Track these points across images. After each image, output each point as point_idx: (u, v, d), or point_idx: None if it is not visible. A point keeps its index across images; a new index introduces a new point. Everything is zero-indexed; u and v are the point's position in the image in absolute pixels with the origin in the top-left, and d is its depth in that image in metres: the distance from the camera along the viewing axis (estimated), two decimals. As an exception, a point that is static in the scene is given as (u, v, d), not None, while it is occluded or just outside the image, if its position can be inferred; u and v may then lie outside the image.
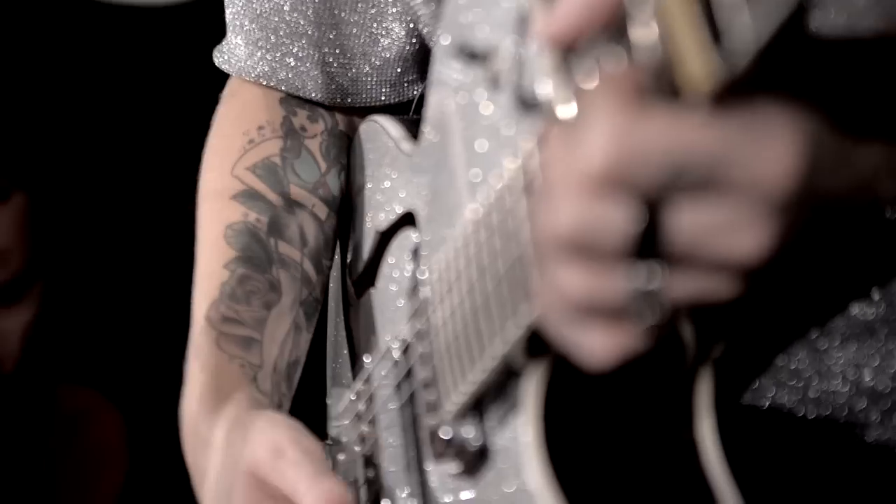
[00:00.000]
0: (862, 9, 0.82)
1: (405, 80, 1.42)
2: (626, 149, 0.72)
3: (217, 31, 1.49)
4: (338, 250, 1.46)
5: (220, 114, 1.47)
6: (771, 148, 0.73)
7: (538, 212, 0.79)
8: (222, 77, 1.49)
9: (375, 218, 1.34)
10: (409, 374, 1.17)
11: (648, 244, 0.75)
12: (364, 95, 1.43)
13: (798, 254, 1.00)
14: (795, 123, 0.74)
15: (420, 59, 1.41)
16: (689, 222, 0.74)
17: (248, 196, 1.38)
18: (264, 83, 1.42)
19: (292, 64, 1.41)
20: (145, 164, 3.12)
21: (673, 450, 1.00)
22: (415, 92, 1.44)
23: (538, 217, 0.79)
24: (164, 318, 3.15)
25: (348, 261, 1.43)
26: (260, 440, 1.19)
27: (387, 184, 1.32)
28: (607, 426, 0.99)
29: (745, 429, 1.07)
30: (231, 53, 1.45)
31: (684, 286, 0.76)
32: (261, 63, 1.42)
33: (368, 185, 1.38)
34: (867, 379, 1.08)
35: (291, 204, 1.38)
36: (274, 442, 1.18)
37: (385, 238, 1.31)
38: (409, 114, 1.42)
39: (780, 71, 0.73)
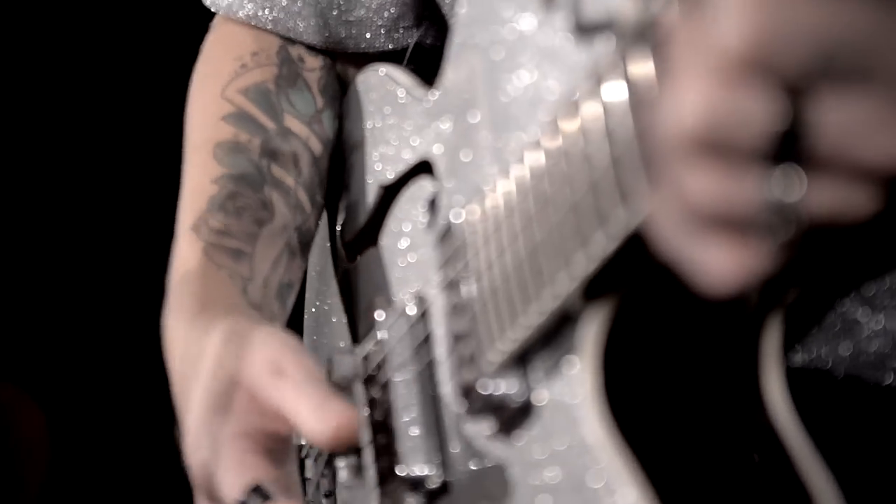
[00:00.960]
0: None
1: (401, 25, 1.34)
2: (772, 25, 0.63)
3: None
4: (323, 217, 1.37)
5: (209, 41, 1.38)
6: None
7: (659, 106, 0.70)
8: None
9: (378, 172, 1.25)
10: (429, 332, 1.08)
11: (790, 144, 0.66)
12: (359, 40, 1.34)
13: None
14: None
15: (416, 3, 1.33)
16: (836, 119, 0.65)
17: (240, 117, 1.28)
18: (253, 24, 1.33)
19: (284, 3, 1.32)
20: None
21: (739, 402, 0.92)
22: (409, 40, 1.35)
23: (659, 112, 0.69)
24: (87, 314, 3.06)
25: (340, 223, 1.34)
26: (258, 356, 1.10)
27: (393, 134, 1.22)
28: (670, 377, 0.91)
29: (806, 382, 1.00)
30: None
31: (825, 197, 0.67)
32: (249, 3, 1.33)
33: (369, 139, 1.28)
34: None
35: (286, 131, 1.29)
36: (273, 359, 1.09)
37: (391, 191, 1.21)
38: (403, 63, 1.33)
39: None
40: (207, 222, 1.21)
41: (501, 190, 0.94)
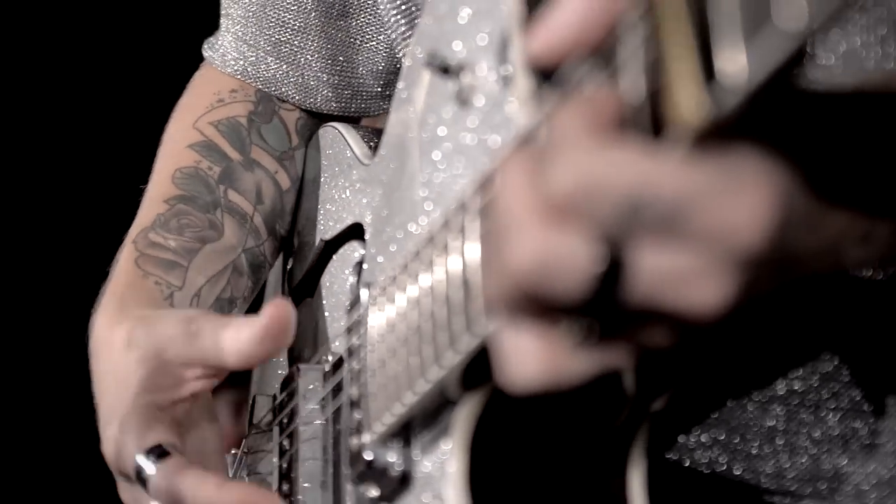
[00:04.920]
0: (871, 72, 0.80)
1: (386, 93, 1.40)
2: (586, 175, 0.68)
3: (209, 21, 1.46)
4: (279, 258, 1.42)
5: (195, 76, 1.44)
6: (744, 200, 0.70)
7: (494, 243, 0.75)
8: None
9: (323, 225, 1.30)
10: (337, 390, 1.13)
11: (607, 286, 0.71)
12: (339, 104, 1.40)
13: (751, 311, 0.98)
14: (772, 179, 0.70)
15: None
16: (651, 266, 0.70)
17: (205, 146, 1.34)
18: (241, 79, 1.40)
19: (273, 66, 1.38)
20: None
21: (600, 497, 0.96)
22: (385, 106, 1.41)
23: (494, 249, 0.74)
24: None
25: (289, 266, 1.40)
26: (171, 323, 1.13)
27: (338, 192, 1.28)
28: (536, 465, 0.96)
29: (672, 482, 1.05)
30: (217, 45, 1.42)
31: (630, 325, 0.73)
32: (240, 60, 1.39)
33: (320, 190, 1.34)
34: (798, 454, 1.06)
35: (251, 163, 1.34)
36: (186, 321, 1.13)
37: (330, 248, 1.27)
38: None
39: (764, 121, 0.70)
40: (147, 235, 1.26)
41: (396, 271, 0.99)
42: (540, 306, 0.72)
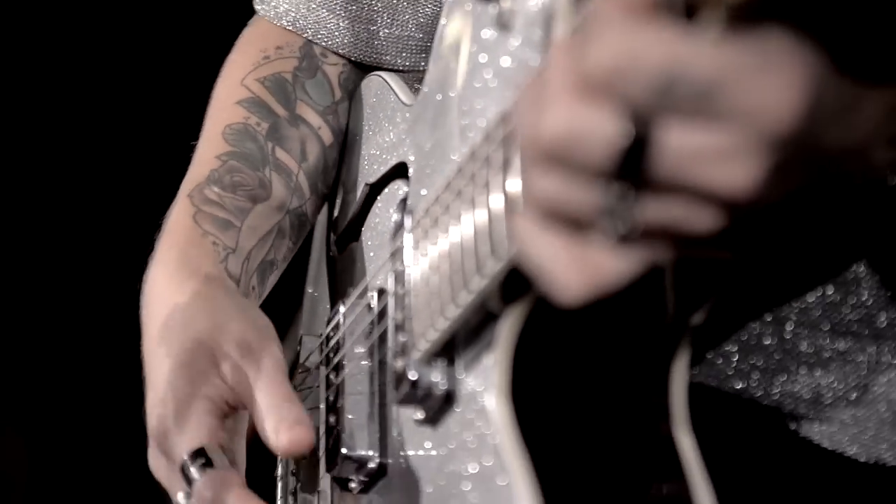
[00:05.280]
0: None
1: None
2: (621, 53, 0.71)
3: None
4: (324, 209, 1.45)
5: (243, 34, 1.47)
6: (774, 80, 0.71)
7: (528, 115, 0.77)
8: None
9: (367, 171, 1.32)
10: (381, 317, 1.15)
11: (633, 162, 0.73)
12: (393, 57, 1.42)
13: (784, 221, 1.00)
14: (803, 60, 0.72)
15: None
16: (677, 144, 0.72)
17: (253, 103, 1.37)
18: (290, 28, 1.42)
19: (324, 17, 1.40)
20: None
21: (645, 414, 0.98)
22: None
23: (527, 120, 0.77)
24: (61, 334, 3.15)
25: (335, 216, 1.42)
26: (232, 328, 1.17)
27: (382, 137, 1.30)
28: (578, 379, 0.97)
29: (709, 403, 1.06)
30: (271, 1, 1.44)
31: (662, 210, 0.74)
32: (291, 13, 1.42)
33: (363, 139, 1.36)
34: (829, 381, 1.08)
35: (296, 119, 1.37)
36: (245, 337, 1.17)
37: (374, 190, 1.29)
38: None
39: (797, 7, 0.72)
40: (203, 191, 1.29)
41: (435, 194, 1.01)
42: (565, 179, 0.74)
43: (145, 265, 1.28)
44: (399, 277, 1.10)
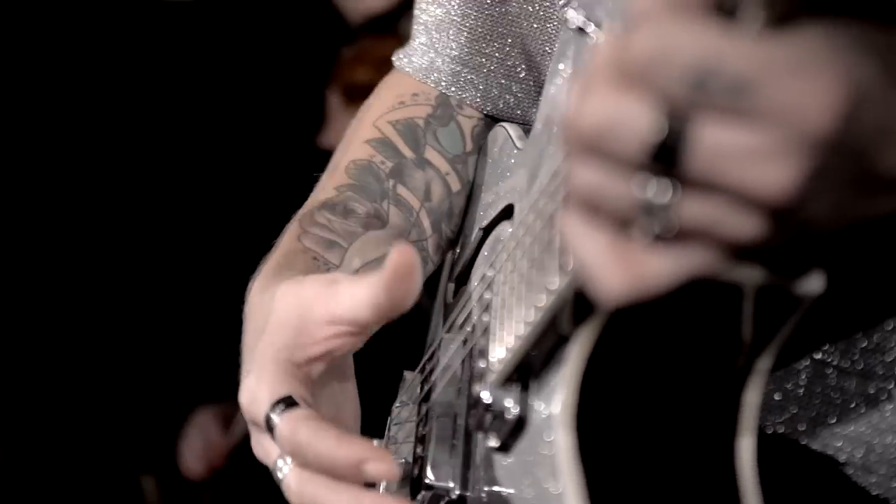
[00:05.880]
0: None
1: None
2: (658, 45, 0.71)
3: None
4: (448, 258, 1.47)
5: (382, 82, 1.51)
6: (814, 82, 0.71)
7: (571, 104, 0.78)
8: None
9: (482, 217, 1.34)
10: (472, 349, 1.16)
11: (667, 156, 0.73)
12: (520, 112, 1.44)
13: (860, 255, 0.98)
14: (845, 62, 0.72)
15: None
16: (712, 140, 0.72)
17: (380, 142, 1.40)
18: (429, 81, 1.45)
19: (458, 71, 1.43)
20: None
21: (708, 452, 0.96)
22: None
23: (569, 109, 0.78)
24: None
25: (453, 264, 1.44)
26: (312, 280, 1.15)
27: (498, 182, 1.32)
28: (646, 407, 0.96)
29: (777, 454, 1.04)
30: (406, 51, 1.48)
31: (699, 209, 0.74)
32: (426, 66, 1.45)
33: (484, 189, 1.38)
34: None
35: (423, 162, 1.39)
36: (330, 277, 1.15)
37: (486, 234, 1.31)
38: None
39: (841, 9, 0.72)
40: (313, 215, 1.32)
41: (518, 222, 1.02)
42: (603, 170, 0.74)
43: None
44: (486, 306, 1.11)
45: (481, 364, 1.08)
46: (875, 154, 0.75)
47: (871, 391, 1.09)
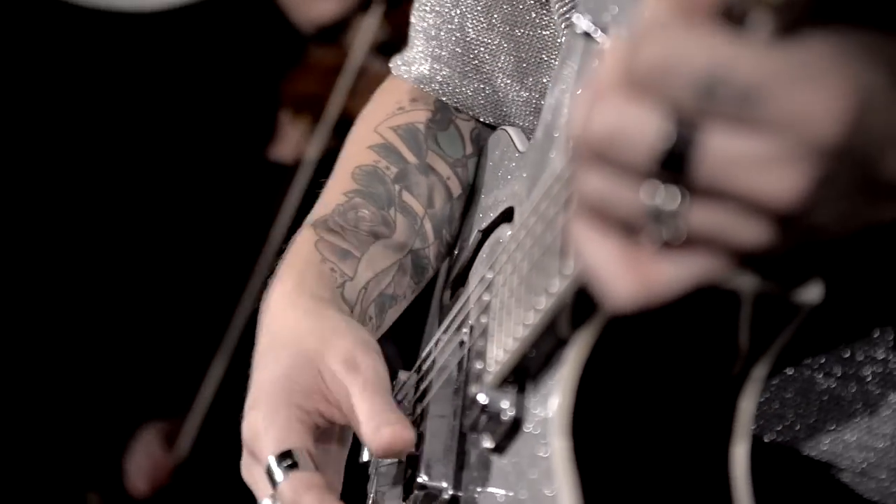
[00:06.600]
0: None
1: None
2: (667, 52, 0.72)
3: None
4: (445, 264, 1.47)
5: (379, 88, 1.51)
6: (822, 90, 0.71)
7: (579, 111, 0.78)
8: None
9: (482, 219, 1.34)
10: (468, 351, 1.16)
11: (675, 164, 0.74)
12: (518, 120, 1.44)
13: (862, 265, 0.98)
14: (852, 70, 0.72)
15: None
16: (720, 148, 0.72)
17: (384, 148, 1.41)
18: (427, 90, 1.46)
19: (457, 80, 1.43)
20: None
21: (702, 459, 0.96)
22: None
23: (578, 116, 0.78)
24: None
25: (451, 265, 1.44)
26: (339, 344, 1.19)
27: (501, 188, 1.32)
28: (641, 413, 0.97)
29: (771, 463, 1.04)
30: (405, 58, 1.48)
31: (707, 217, 0.74)
32: (433, 76, 1.45)
33: (485, 192, 1.39)
34: None
35: (426, 167, 1.40)
36: (351, 352, 1.18)
37: (485, 236, 1.31)
38: None
39: (844, 8, 0.72)
40: (327, 223, 1.33)
41: (519, 221, 1.03)
42: (611, 177, 0.75)
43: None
44: (485, 308, 1.11)
45: (478, 365, 1.09)
46: (882, 161, 0.76)
47: (870, 397, 1.09)
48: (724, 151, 0.72)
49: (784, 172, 0.72)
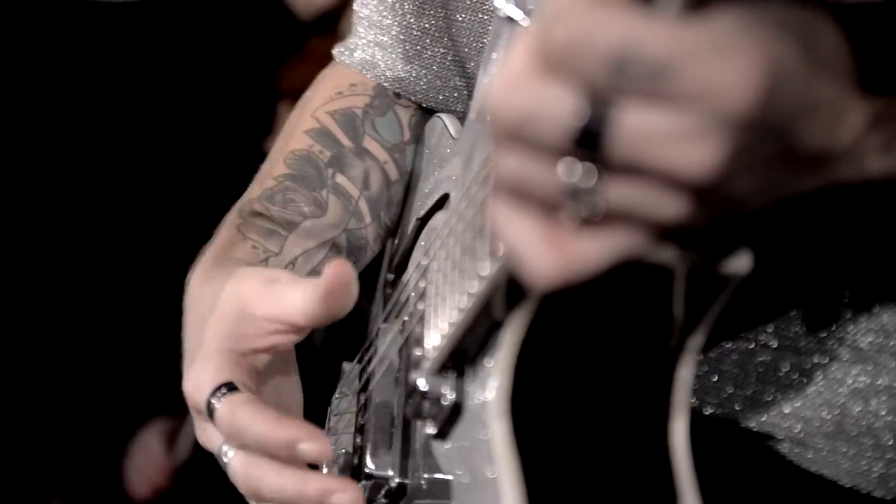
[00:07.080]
0: None
1: None
2: (577, 31, 0.72)
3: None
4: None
5: (321, 73, 1.51)
6: (732, 63, 0.72)
7: (492, 93, 0.79)
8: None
9: (419, 207, 1.35)
10: (408, 339, 1.17)
11: (590, 141, 0.74)
12: (460, 107, 1.45)
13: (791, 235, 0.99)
14: (764, 42, 0.73)
15: None
16: (634, 124, 0.73)
17: (319, 132, 1.41)
18: (369, 76, 1.46)
19: (399, 66, 1.44)
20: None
21: (642, 434, 0.97)
22: None
23: (491, 98, 0.78)
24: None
25: (392, 254, 1.44)
26: (254, 276, 1.17)
27: (435, 172, 1.33)
28: (579, 392, 0.97)
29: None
30: (347, 44, 1.49)
31: (624, 192, 0.75)
32: (374, 62, 1.45)
33: (422, 179, 1.39)
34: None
35: (362, 151, 1.40)
36: (268, 274, 1.17)
37: (422, 223, 1.31)
38: None
39: None
40: (252, 205, 1.33)
41: (451, 209, 1.03)
42: (527, 157, 0.75)
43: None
44: (422, 294, 1.11)
45: (417, 352, 1.09)
46: (797, 131, 0.76)
47: (806, 367, 1.11)
48: (638, 127, 0.73)
49: (698, 145, 0.73)
